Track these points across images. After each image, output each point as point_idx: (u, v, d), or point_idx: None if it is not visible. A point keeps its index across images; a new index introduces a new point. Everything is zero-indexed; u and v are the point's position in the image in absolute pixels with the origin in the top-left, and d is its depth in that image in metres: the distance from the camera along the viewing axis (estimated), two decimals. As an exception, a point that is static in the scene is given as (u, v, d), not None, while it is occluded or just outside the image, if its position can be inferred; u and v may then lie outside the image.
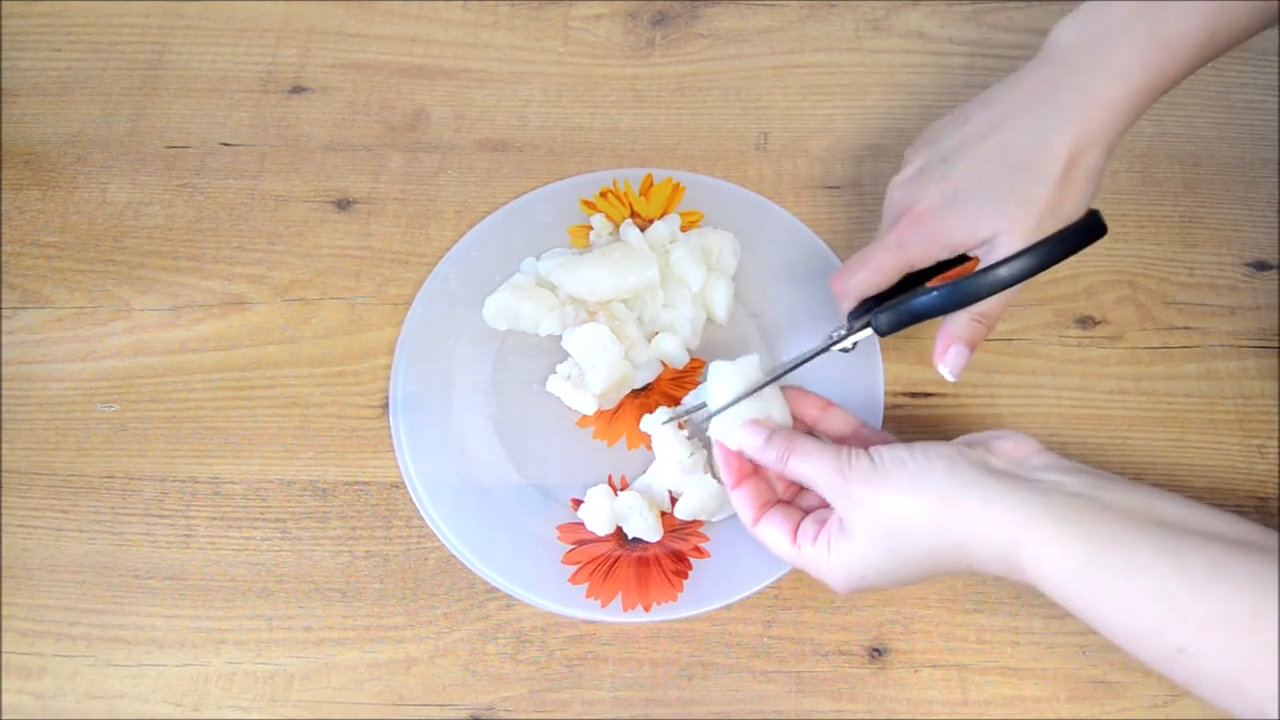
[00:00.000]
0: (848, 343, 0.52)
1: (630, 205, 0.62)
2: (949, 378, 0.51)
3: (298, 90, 0.68)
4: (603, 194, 0.63)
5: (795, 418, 0.51)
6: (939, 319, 0.51)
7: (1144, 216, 0.62)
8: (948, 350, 0.50)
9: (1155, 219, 0.62)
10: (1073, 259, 0.60)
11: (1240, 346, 0.58)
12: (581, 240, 0.61)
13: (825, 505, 0.47)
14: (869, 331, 0.51)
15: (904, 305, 0.50)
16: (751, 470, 0.49)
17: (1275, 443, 0.55)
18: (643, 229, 0.60)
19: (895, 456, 0.44)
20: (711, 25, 0.70)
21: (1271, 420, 0.56)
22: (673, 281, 0.58)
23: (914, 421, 0.56)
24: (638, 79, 0.68)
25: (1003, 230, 0.47)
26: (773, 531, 0.47)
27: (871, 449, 0.45)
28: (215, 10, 0.71)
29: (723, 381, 0.50)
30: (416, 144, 0.66)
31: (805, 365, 0.52)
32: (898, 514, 0.43)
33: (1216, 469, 0.55)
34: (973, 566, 0.43)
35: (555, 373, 0.56)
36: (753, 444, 0.48)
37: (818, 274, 0.59)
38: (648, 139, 0.66)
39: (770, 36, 0.69)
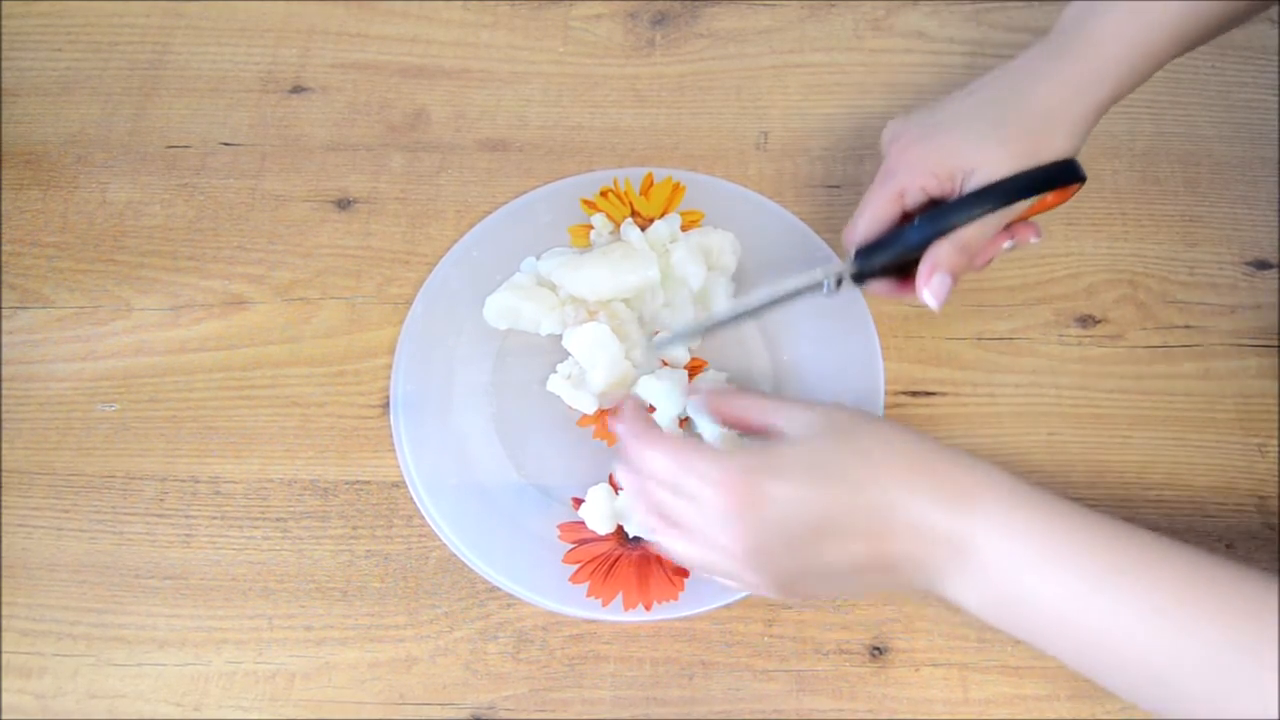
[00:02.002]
0: (831, 281, 0.52)
1: (631, 205, 0.62)
2: (932, 305, 0.50)
3: (298, 90, 0.68)
4: (603, 193, 0.63)
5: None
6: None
7: (1144, 215, 0.62)
8: (931, 276, 0.50)
9: (1155, 218, 0.62)
10: (1074, 258, 0.61)
11: (1240, 345, 0.58)
12: (582, 240, 0.61)
13: None
14: (852, 267, 0.52)
15: (887, 239, 0.51)
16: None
17: (1275, 441, 0.55)
18: (643, 228, 0.60)
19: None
20: (711, 25, 0.70)
21: (1271, 419, 0.56)
22: (673, 281, 0.58)
23: (914, 421, 0.56)
24: (638, 79, 0.68)
25: (983, 163, 0.49)
26: (672, 437, 0.45)
27: None
28: (215, 10, 0.71)
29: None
30: (417, 144, 0.66)
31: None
32: (850, 419, 0.43)
33: (1217, 467, 0.55)
34: (893, 524, 0.40)
35: (555, 372, 0.56)
36: (696, 402, 0.49)
37: (818, 273, 0.59)
38: (648, 138, 0.66)
39: (770, 36, 0.69)
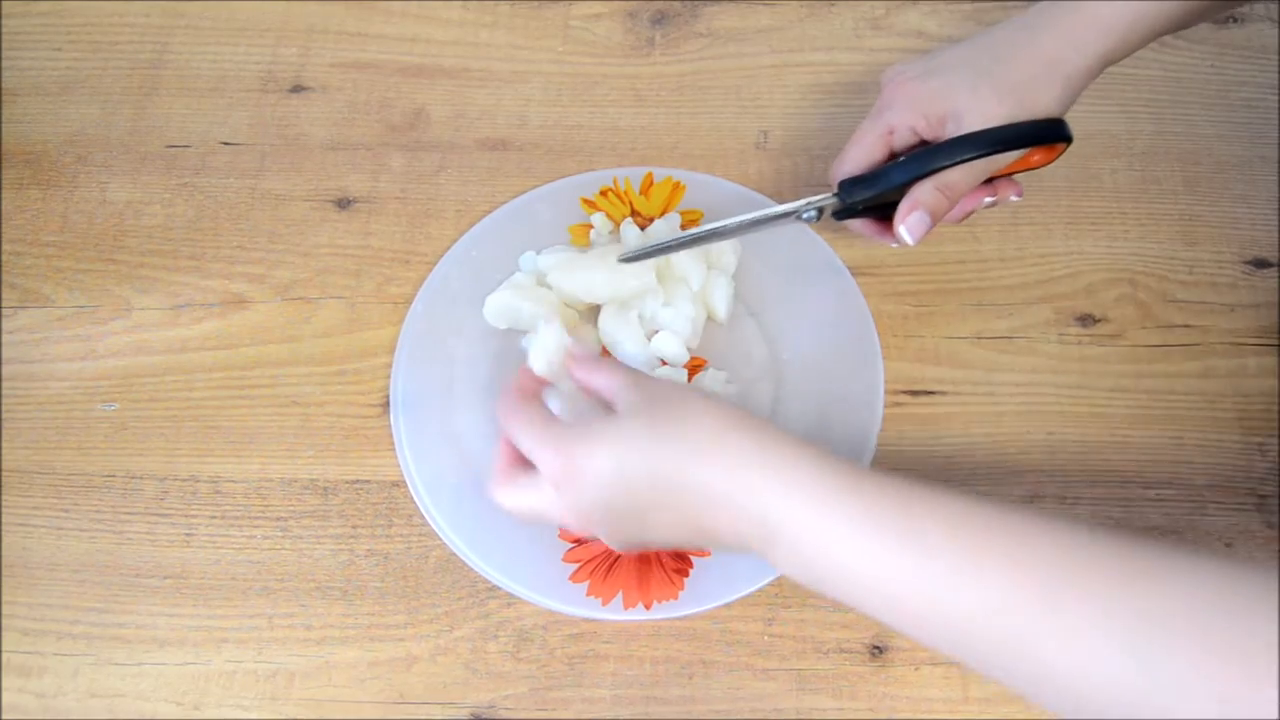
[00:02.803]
0: (814, 211, 0.53)
1: (630, 204, 0.62)
2: (908, 240, 0.51)
3: (298, 90, 0.68)
4: (603, 193, 0.63)
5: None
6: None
7: (1144, 215, 0.62)
8: (910, 213, 0.51)
9: (1155, 217, 0.62)
10: (1073, 257, 0.61)
11: (1240, 344, 0.58)
12: (582, 239, 0.61)
13: None
14: (833, 199, 0.53)
15: (872, 175, 0.52)
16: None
17: (1275, 440, 0.55)
18: (643, 227, 0.60)
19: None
20: (711, 24, 0.70)
21: (1271, 418, 0.56)
22: (673, 280, 0.58)
23: (914, 420, 0.56)
24: (638, 78, 0.68)
25: (972, 109, 0.50)
26: (535, 406, 0.46)
27: None
28: (215, 10, 0.71)
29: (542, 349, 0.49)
30: (416, 143, 0.66)
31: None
32: (675, 398, 0.43)
33: (1217, 467, 0.55)
34: (708, 500, 0.41)
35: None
36: (576, 352, 0.48)
37: (818, 273, 0.59)
38: (647, 138, 0.66)
39: (770, 35, 0.69)
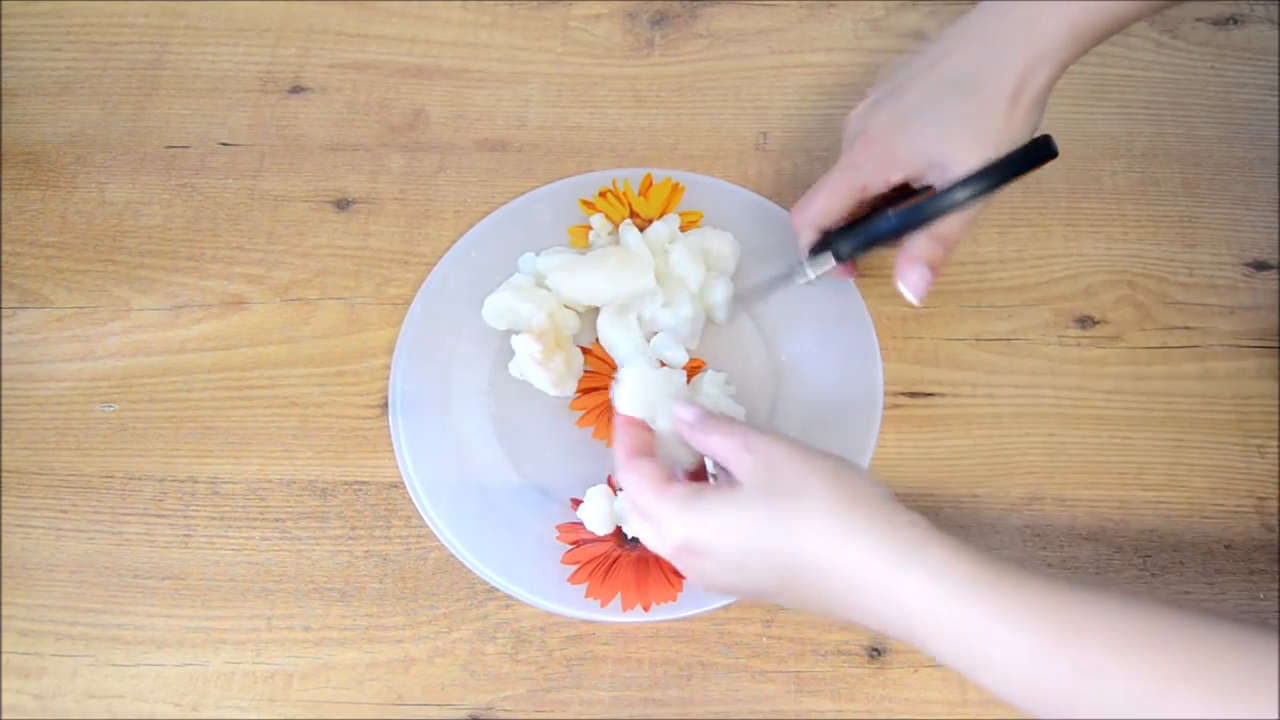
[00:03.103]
0: (810, 274, 0.53)
1: (629, 205, 0.62)
2: (911, 298, 0.50)
3: (297, 90, 0.68)
4: (602, 194, 0.63)
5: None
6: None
7: (1143, 216, 0.62)
8: (909, 270, 0.50)
9: (1155, 219, 0.62)
10: (1073, 259, 0.61)
11: (1240, 346, 0.58)
12: (581, 240, 0.61)
13: None
14: (830, 260, 0.53)
15: (863, 228, 0.51)
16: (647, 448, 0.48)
17: (1275, 442, 0.55)
18: (642, 229, 0.60)
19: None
20: (711, 25, 0.70)
21: (1271, 420, 0.56)
22: (672, 281, 0.58)
23: (914, 421, 0.56)
24: (637, 79, 0.68)
25: (952, 152, 0.48)
26: (647, 466, 0.45)
27: None
28: (215, 10, 0.71)
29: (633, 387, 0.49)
30: (416, 144, 0.66)
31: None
32: (794, 471, 0.42)
33: (1216, 469, 0.55)
34: (842, 595, 0.41)
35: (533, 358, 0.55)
36: (685, 415, 0.47)
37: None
38: (647, 139, 0.65)
39: (770, 36, 0.69)
